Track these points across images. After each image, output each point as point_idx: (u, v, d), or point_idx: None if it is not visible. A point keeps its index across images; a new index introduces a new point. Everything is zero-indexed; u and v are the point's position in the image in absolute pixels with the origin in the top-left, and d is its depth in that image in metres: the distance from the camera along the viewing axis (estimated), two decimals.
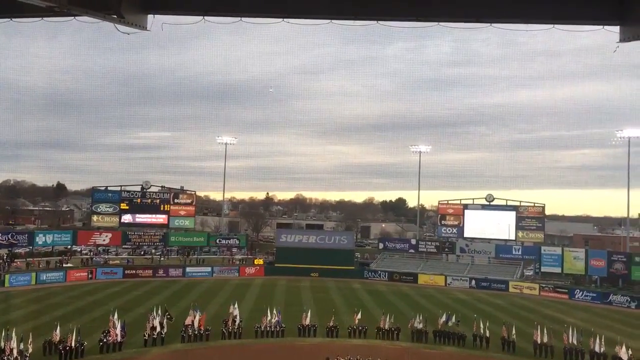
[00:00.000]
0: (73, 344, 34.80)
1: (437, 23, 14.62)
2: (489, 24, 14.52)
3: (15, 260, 70.18)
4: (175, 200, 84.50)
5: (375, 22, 14.74)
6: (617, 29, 14.06)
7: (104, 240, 78.88)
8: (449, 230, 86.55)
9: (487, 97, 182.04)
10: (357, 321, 43.41)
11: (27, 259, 71.26)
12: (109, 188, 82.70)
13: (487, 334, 41.34)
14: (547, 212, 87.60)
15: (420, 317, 43.51)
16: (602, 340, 38.27)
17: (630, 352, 36.70)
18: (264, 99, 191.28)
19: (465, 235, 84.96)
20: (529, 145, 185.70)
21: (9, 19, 14.98)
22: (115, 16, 13.72)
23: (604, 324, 51.86)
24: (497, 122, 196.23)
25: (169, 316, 41.79)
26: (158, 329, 39.09)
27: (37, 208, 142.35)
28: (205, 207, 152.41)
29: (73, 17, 14.16)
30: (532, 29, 14.77)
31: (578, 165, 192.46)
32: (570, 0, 13.94)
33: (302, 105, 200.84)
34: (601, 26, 14.20)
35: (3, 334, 33.53)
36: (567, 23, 14.51)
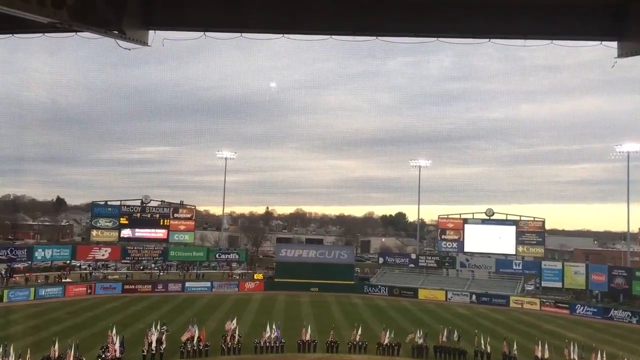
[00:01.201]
0: None
1: (435, 39, 14.71)
2: (487, 40, 14.61)
3: (14, 275, 69.94)
4: (175, 215, 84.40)
5: (375, 37, 14.83)
6: (615, 44, 14.15)
7: (103, 255, 78.57)
8: (449, 244, 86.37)
9: (488, 112, 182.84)
10: (357, 336, 43.18)
11: (26, 274, 70.93)
12: (108, 203, 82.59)
13: (488, 350, 41.12)
14: (547, 226, 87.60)
15: (421, 333, 43.29)
16: (604, 355, 38.06)
17: None
18: (265, 114, 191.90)
19: (466, 249, 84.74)
20: (528, 159, 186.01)
21: (11, 35, 15.06)
22: (116, 32, 13.79)
23: (605, 339, 51.58)
24: (497, 136, 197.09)
25: (165, 328, 41.53)
26: (154, 344, 38.76)
27: (36, 223, 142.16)
28: (205, 221, 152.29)
29: (75, 33, 14.25)
30: (530, 44, 14.87)
31: (578, 179, 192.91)
32: (568, 16, 14.03)
33: (302, 120, 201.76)
34: (599, 42, 14.29)
35: (1, 349, 33.35)
36: (565, 39, 14.59)
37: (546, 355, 39.55)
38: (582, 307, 68.73)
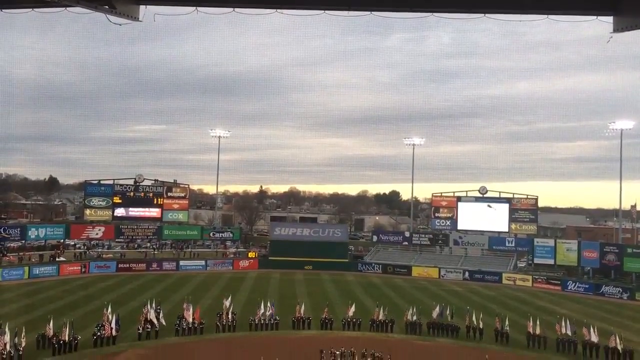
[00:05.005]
0: (67, 338, 34.69)
1: (431, 13, 14.56)
2: (482, 14, 14.48)
3: (8, 254, 69.88)
4: (169, 194, 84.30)
5: (369, 12, 14.67)
6: (611, 19, 14.05)
7: (97, 234, 78.55)
8: (443, 222, 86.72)
9: (485, 89, 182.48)
10: (351, 313, 43.49)
11: (20, 253, 70.93)
12: (101, 181, 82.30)
13: (481, 326, 41.51)
14: (540, 204, 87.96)
15: (414, 309, 43.62)
16: (595, 330, 38.52)
17: (622, 342, 37.01)
18: (260, 92, 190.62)
19: (459, 227, 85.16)
20: (525, 137, 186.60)
21: None
22: (106, 6, 13.58)
23: (596, 315, 52.21)
24: (494, 114, 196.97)
25: (158, 309, 41.52)
26: (151, 321, 38.91)
27: (29, 202, 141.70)
28: (199, 200, 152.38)
29: (64, 8, 14.01)
30: (527, 19, 14.74)
31: (573, 157, 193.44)
32: None
33: (298, 97, 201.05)
34: (595, 17, 14.18)
35: None
36: (561, 13, 14.48)
37: (538, 330, 39.98)
38: (573, 284, 69.38)
